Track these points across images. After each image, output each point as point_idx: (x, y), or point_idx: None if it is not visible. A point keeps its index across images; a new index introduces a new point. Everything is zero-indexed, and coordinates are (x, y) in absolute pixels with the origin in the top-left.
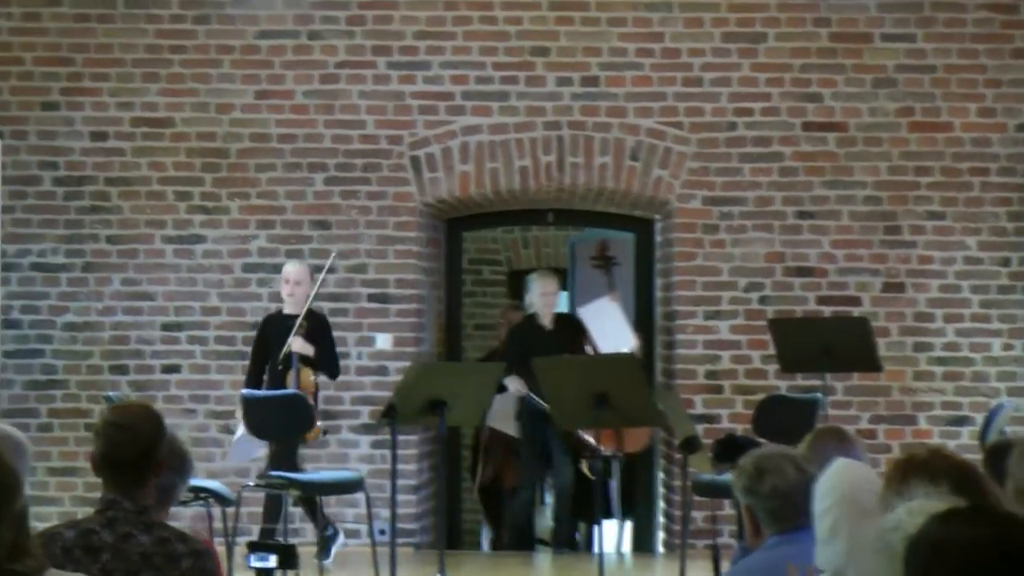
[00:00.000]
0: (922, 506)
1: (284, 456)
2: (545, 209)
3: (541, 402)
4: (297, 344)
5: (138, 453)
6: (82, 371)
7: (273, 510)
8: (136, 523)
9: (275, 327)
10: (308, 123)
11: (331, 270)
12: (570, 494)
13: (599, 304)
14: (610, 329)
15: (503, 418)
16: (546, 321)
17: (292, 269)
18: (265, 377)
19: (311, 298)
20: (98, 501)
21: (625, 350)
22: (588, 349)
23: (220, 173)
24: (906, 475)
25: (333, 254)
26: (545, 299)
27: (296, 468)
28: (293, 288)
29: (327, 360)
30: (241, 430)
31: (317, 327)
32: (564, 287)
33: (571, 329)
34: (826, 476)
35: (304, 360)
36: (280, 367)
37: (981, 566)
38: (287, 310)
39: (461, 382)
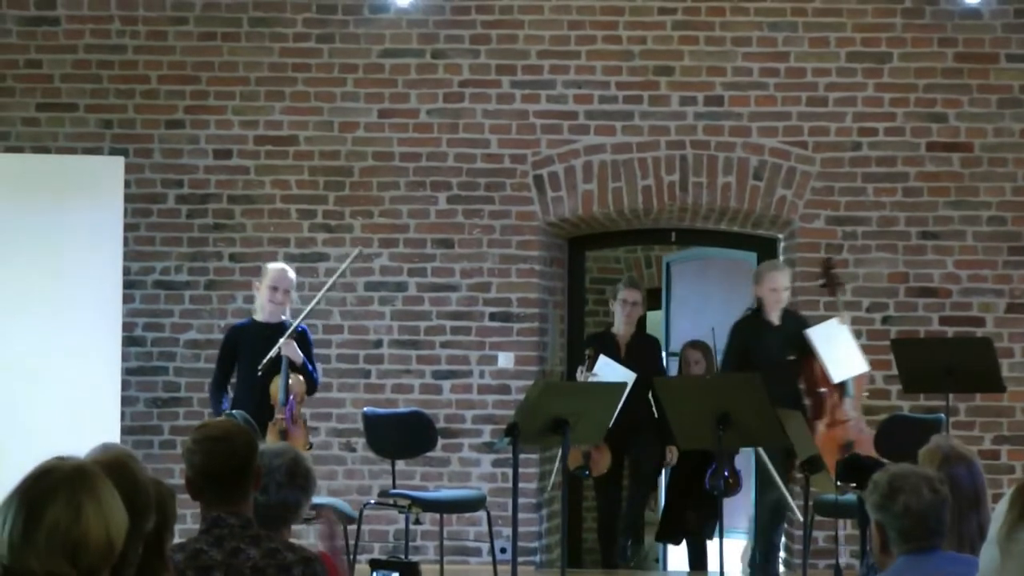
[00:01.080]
0: None
1: None
2: (668, 228)
3: None
4: (290, 349)
5: (238, 464)
6: (204, 389)
7: None
8: (243, 537)
9: (250, 337)
10: (431, 142)
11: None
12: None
13: (828, 326)
14: (841, 352)
15: None
16: (773, 317)
17: (290, 277)
18: (233, 384)
19: (319, 299)
20: (200, 521)
21: (858, 374)
22: (817, 369)
23: (343, 192)
24: None
25: (357, 250)
26: (775, 295)
27: None
28: (283, 296)
29: (312, 374)
30: None
31: (301, 339)
32: (658, 306)
33: (800, 328)
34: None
35: (291, 367)
36: (260, 372)
37: None
38: (263, 318)
39: (583, 401)
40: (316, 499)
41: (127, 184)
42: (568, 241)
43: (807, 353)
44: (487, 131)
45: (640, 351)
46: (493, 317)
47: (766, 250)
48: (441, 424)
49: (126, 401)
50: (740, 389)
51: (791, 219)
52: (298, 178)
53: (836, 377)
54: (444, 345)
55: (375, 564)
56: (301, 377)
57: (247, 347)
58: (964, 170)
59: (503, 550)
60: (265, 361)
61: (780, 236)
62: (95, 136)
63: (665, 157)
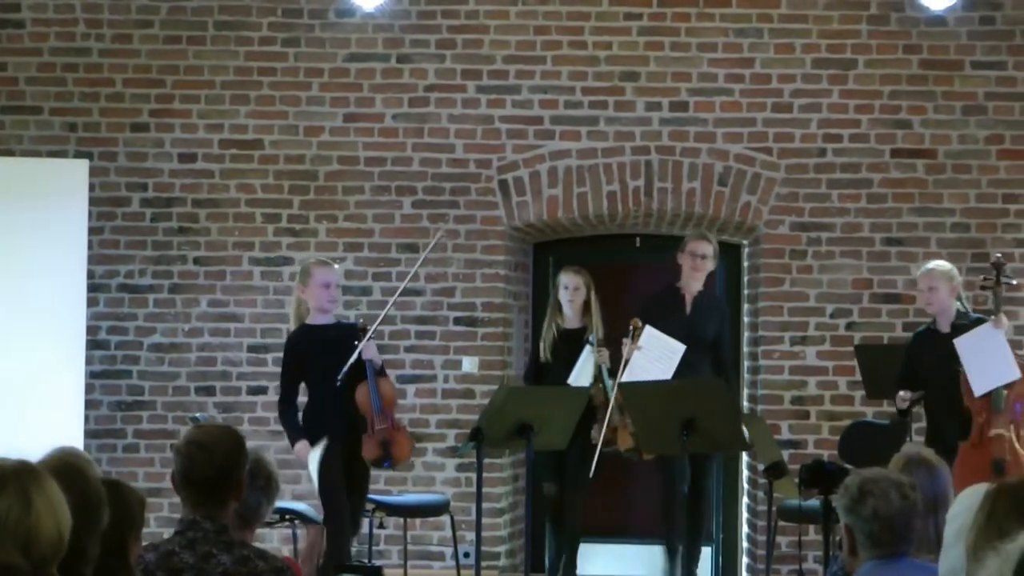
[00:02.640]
0: None
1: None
2: (633, 234)
3: None
4: (371, 351)
5: (216, 473)
6: (168, 392)
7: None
8: (216, 542)
9: (316, 343)
10: (397, 146)
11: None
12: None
13: (979, 332)
14: (991, 361)
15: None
16: (942, 324)
17: (336, 270)
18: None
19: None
20: (177, 522)
21: (1010, 380)
22: (964, 382)
23: (308, 196)
24: (997, 502)
25: (440, 231)
26: (921, 296)
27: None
28: (336, 292)
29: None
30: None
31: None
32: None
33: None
34: (965, 491)
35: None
36: (339, 383)
37: None
38: (319, 321)
39: (548, 406)
40: (280, 503)
41: (91, 187)
42: (533, 246)
43: None
44: (452, 136)
45: (708, 311)
46: (458, 322)
47: (731, 256)
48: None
49: (90, 404)
50: (705, 394)
51: (756, 225)
52: (263, 182)
53: (978, 390)
54: (409, 350)
55: (339, 568)
56: (390, 379)
57: (317, 355)
58: (928, 176)
59: (467, 555)
60: (345, 369)
61: (745, 242)
62: (60, 139)
63: (630, 162)
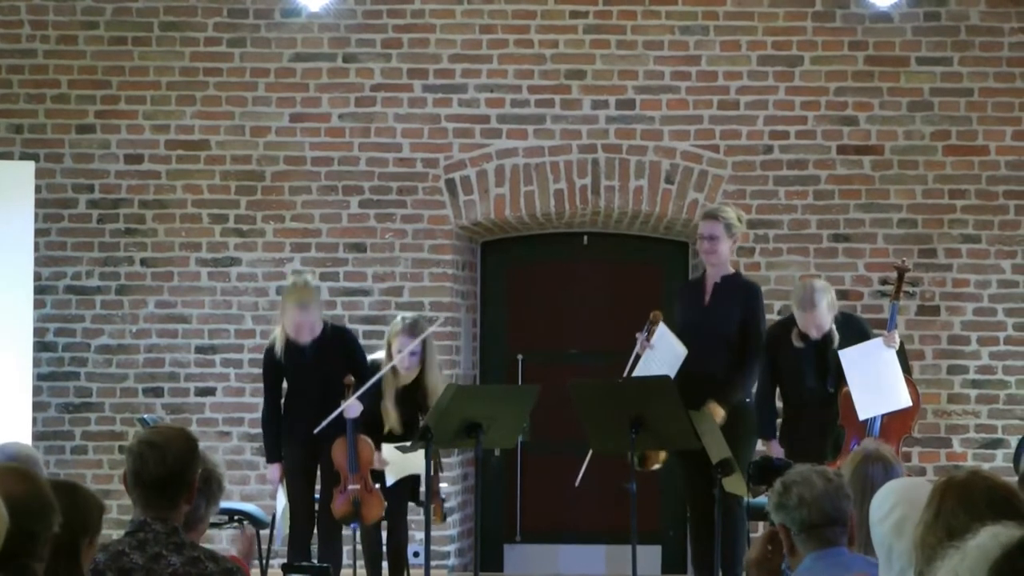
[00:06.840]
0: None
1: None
2: (580, 232)
3: None
4: (355, 410)
5: (166, 473)
6: (116, 394)
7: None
8: (166, 544)
9: (292, 354)
10: (343, 146)
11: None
12: None
13: (870, 348)
14: (879, 382)
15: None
16: (812, 331)
17: (313, 288)
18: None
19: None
20: (128, 523)
21: (897, 408)
22: (848, 401)
23: (255, 196)
24: (944, 498)
25: (439, 320)
26: (806, 309)
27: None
28: (314, 314)
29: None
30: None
31: (349, 345)
32: None
33: (853, 333)
34: (884, 488)
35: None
36: (316, 432)
37: None
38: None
39: (496, 405)
40: (229, 504)
41: (38, 189)
42: (481, 245)
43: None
44: (399, 135)
45: (730, 298)
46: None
47: (678, 254)
48: None
49: (37, 407)
50: (653, 392)
51: None
52: (210, 183)
53: (863, 412)
54: None
55: (288, 569)
56: (368, 440)
57: (294, 355)
58: (875, 173)
59: (416, 554)
60: (324, 424)
61: (692, 240)
62: (5, 141)
63: (577, 161)
